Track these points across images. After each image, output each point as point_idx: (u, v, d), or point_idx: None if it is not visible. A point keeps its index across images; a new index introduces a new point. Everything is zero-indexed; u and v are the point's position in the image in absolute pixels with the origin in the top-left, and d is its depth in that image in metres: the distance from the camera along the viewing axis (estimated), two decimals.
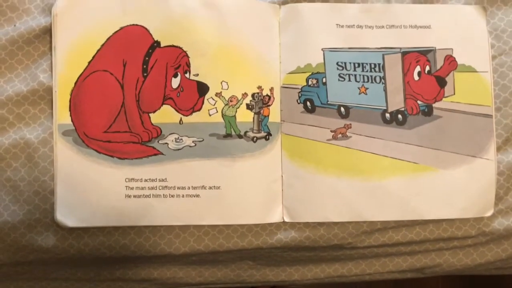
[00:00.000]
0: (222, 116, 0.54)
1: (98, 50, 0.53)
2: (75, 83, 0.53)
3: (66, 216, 0.52)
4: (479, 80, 0.57)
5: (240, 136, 0.54)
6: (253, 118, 0.55)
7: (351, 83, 0.56)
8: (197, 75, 0.54)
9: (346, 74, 0.56)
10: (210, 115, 0.54)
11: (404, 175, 0.55)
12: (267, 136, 0.55)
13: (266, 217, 0.55)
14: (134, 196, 0.53)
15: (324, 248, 0.57)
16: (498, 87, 0.57)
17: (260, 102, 0.55)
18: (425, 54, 0.57)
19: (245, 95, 0.55)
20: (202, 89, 0.54)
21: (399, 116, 0.56)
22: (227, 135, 0.54)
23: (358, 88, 0.56)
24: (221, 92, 0.54)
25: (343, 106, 0.56)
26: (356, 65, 0.56)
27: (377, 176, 0.55)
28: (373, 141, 0.55)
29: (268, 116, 0.55)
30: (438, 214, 0.56)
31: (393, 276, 0.61)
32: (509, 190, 0.57)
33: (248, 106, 0.55)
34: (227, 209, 0.54)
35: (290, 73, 0.56)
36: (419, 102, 0.56)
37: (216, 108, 0.54)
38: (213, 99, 0.54)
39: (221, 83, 0.54)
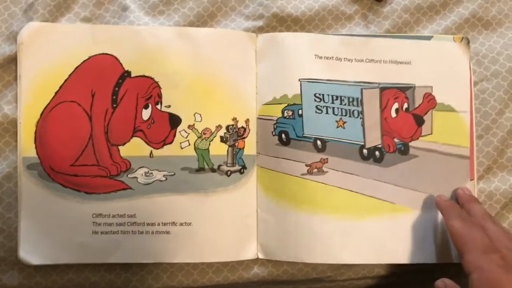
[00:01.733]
0: (195, 149, 0.51)
1: (66, 80, 0.50)
2: (41, 114, 0.49)
3: (31, 254, 0.49)
4: (457, 120, 0.54)
5: (213, 170, 0.51)
6: (227, 151, 0.52)
7: (328, 115, 0.53)
8: (169, 106, 0.51)
9: (323, 106, 0.53)
10: (182, 148, 0.51)
11: (381, 216, 0.52)
12: (242, 170, 0.52)
13: (240, 254, 0.51)
14: (102, 233, 0.49)
15: (303, 282, 0.55)
16: (480, 114, 0.55)
17: (235, 135, 0.52)
18: (404, 90, 0.53)
19: (219, 127, 0.51)
20: (174, 121, 0.50)
21: (377, 153, 0.53)
22: (200, 169, 0.51)
23: (336, 121, 0.53)
24: (194, 124, 0.51)
25: (320, 139, 0.52)
26: (334, 97, 0.53)
27: (353, 215, 0.52)
28: (350, 177, 0.52)
29: (243, 148, 0.52)
30: (414, 259, 0.52)
31: None
32: None
33: (222, 139, 0.51)
34: (199, 246, 0.50)
35: (266, 104, 0.53)
36: (396, 140, 0.53)
37: (188, 141, 0.51)
38: (185, 132, 0.51)
39: (194, 115, 0.51)
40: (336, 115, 0.53)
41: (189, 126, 0.51)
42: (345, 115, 0.53)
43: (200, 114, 0.51)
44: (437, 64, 0.54)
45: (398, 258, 0.52)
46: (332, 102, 0.53)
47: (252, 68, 0.53)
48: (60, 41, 0.50)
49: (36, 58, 0.50)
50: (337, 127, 0.53)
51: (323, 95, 0.53)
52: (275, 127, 0.53)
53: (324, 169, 0.52)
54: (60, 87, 0.50)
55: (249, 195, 0.52)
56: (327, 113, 0.53)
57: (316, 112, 0.53)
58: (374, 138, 0.53)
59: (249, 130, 0.52)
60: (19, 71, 0.50)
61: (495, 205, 0.54)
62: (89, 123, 0.50)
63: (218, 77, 0.52)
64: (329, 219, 0.51)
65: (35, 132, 0.49)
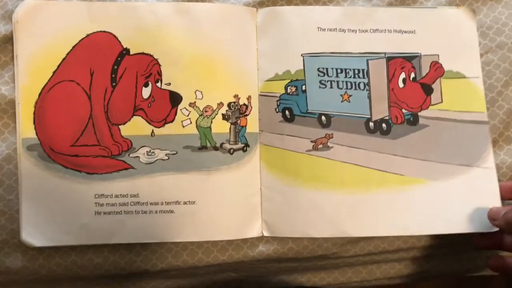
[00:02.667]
0: (197, 128, 0.49)
1: (64, 59, 0.48)
2: (39, 95, 0.48)
3: (33, 236, 0.47)
4: (469, 86, 0.51)
5: (216, 148, 0.49)
6: (230, 128, 0.50)
7: (333, 90, 0.51)
8: (170, 84, 0.49)
9: (327, 81, 0.51)
10: (183, 126, 0.49)
11: (390, 188, 0.50)
12: (245, 148, 0.50)
13: (244, 232, 0.50)
14: (105, 213, 0.48)
15: (308, 259, 0.53)
16: (485, 87, 0.53)
17: (237, 112, 0.50)
18: (410, 60, 0.51)
19: (220, 104, 0.50)
20: (175, 99, 0.49)
21: (384, 125, 0.51)
22: (202, 147, 0.49)
23: (341, 95, 0.51)
24: (195, 102, 0.49)
25: (324, 114, 0.51)
26: (339, 70, 0.51)
27: (360, 189, 0.50)
28: (356, 151, 0.50)
29: (245, 126, 0.50)
30: (430, 229, 0.50)
31: (381, 283, 0.57)
32: None
33: (224, 117, 0.50)
34: (203, 225, 0.49)
35: (268, 80, 0.51)
36: (403, 110, 0.51)
37: (190, 119, 0.49)
38: (186, 110, 0.49)
39: (195, 92, 0.49)
40: (341, 88, 0.51)
41: (190, 104, 0.49)
42: (351, 88, 0.51)
43: (201, 92, 0.49)
44: (443, 32, 0.52)
45: (411, 229, 0.50)
46: (337, 76, 0.51)
47: (253, 43, 0.51)
48: (56, 19, 0.48)
49: (32, 37, 0.48)
50: (342, 101, 0.51)
51: (327, 69, 0.51)
52: (278, 103, 0.51)
53: (330, 144, 0.51)
54: (58, 66, 0.48)
55: (252, 173, 0.50)
56: (331, 87, 0.51)
57: (320, 87, 0.51)
58: (381, 110, 0.51)
59: (251, 107, 0.51)
60: (16, 51, 0.48)
61: (502, 179, 0.53)
62: (88, 102, 0.48)
63: (218, 53, 0.50)
64: (335, 194, 0.50)
65: (34, 113, 0.48)
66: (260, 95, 0.51)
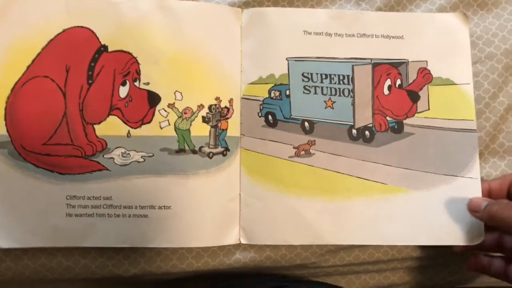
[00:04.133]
0: (175, 130, 0.47)
1: (38, 54, 0.45)
2: (12, 90, 0.45)
3: (0, 237, 0.44)
4: (459, 93, 0.49)
5: (194, 152, 0.47)
6: (210, 132, 0.48)
7: (317, 96, 0.49)
8: (148, 83, 0.47)
9: (312, 86, 0.49)
10: (161, 128, 0.47)
11: (371, 196, 0.48)
12: (225, 152, 0.48)
13: (221, 239, 0.48)
14: (76, 215, 0.45)
15: (286, 268, 0.51)
16: (488, 96, 0.51)
17: (217, 115, 0.48)
18: (396, 66, 0.50)
19: (201, 106, 0.47)
20: (153, 99, 0.46)
21: (367, 132, 0.49)
22: (180, 150, 0.47)
23: (325, 101, 0.49)
24: (174, 103, 0.47)
25: (307, 121, 0.49)
26: (324, 76, 0.49)
27: (341, 196, 0.48)
28: (338, 159, 0.48)
29: (226, 130, 0.48)
30: (411, 240, 0.48)
31: None
32: None
33: (204, 119, 0.47)
34: (178, 231, 0.47)
35: (251, 83, 0.49)
36: (388, 118, 0.49)
37: (168, 120, 0.47)
38: (165, 111, 0.47)
39: (175, 93, 0.47)
40: (325, 95, 0.49)
41: (169, 105, 0.47)
42: (334, 95, 0.49)
43: (181, 93, 0.47)
44: (433, 37, 0.50)
45: (392, 239, 0.48)
46: (321, 82, 0.49)
47: (237, 45, 0.49)
48: (32, 12, 0.46)
49: (6, 30, 0.45)
50: (326, 107, 0.49)
51: (311, 74, 0.49)
52: (261, 108, 0.49)
53: (312, 151, 0.49)
54: (33, 61, 0.45)
55: (232, 178, 0.48)
56: (315, 93, 0.49)
57: (304, 92, 0.49)
58: (364, 118, 0.49)
59: (233, 110, 0.49)
60: None
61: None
62: (63, 100, 0.45)
63: (200, 53, 0.47)
64: (316, 201, 0.48)
65: (5, 109, 0.45)
66: (242, 98, 0.49)
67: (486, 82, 0.51)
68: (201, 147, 0.47)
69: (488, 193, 0.48)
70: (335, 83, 0.49)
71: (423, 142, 0.49)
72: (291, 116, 0.49)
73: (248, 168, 0.48)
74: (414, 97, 0.49)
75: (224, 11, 0.49)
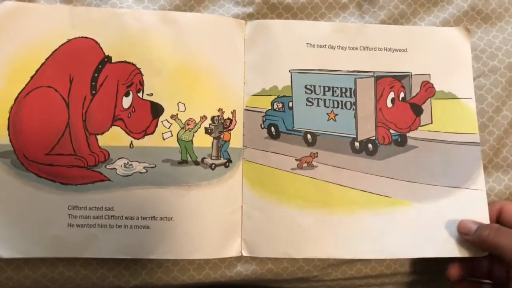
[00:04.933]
0: (178, 141, 0.46)
1: (42, 64, 0.45)
2: (15, 100, 0.45)
3: (1, 246, 0.44)
4: (461, 107, 0.49)
5: (196, 163, 0.47)
6: (212, 143, 0.47)
7: (319, 108, 0.49)
8: (151, 94, 0.46)
9: (314, 99, 0.49)
10: (164, 139, 0.46)
11: (374, 210, 0.47)
12: (227, 163, 0.47)
13: (222, 251, 0.47)
14: (78, 226, 0.45)
15: (288, 281, 0.50)
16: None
17: (220, 126, 0.47)
18: (399, 79, 0.49)
19: (204, 118, 0.47)
20: (156, 110, 0.46)
21: (370, 145, 0.48)
22: (183, 162, 0.46)
23: (327, 114, 0.49)
24: (177, 114, 0.46)
25: (310, 133, 0.48)
26: (326, 88, 0.49)
27: (343, 209, 0.47)
28: (341, 171, 0.48)
29: (229, 141, 0.48)
30: (415, 253, 0.47)
31: None
32: None
33: (207, 130, 0.47)
34: (179, 242, 0.46)
35: (254, 95, 0.48)
36: (391, 131, 0.49)
37: (171, 131, 0.46)
38: (168, 122, 0.46)
39: (178, 104, 0.47)
40: (328, 107, 0.49)
41: (172, 116, 0.47)
42: (337, 107, 0.48)
43: (184, 104, 0.47)
44: (435, 51, 0.50)
45: (395, 252, 0.47)
46: (324, 94, 0.49)
47: (240, 56, 0.49)
48: (37, 22, 0.46)
49: (11, 40, 0.45)
50: (328, 119, 0.49)
51: (314, 86, 0.49)
52: (264, 119, 0.49)
53: (314, 163, 0.48)
54: (36, 71, 0.45)
55: (234, 190, 0.48)
56: (318, 105, 0.49)
57: (306, 104, 0.49)
58: (367, 130, 0.48)
59: (236, 122, 0.48)
60: None
61: None
62: (66, 110, 0.45)
63: (204, 65, 0.47)
64: (318, 214, 0.47)
65: (9, 118, 0.45)
66: (245, 109, 0.49)
67: (489, 96, 0.51)
68: (203, 158, 0.47)
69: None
70: (337, 95, 0.48)
71: (426, 155, 0.48)
72: (294, 128, 0.49)
73: (250, 180, 0.48)
74: (417, 110, 0.49)
75: (227, 23, 0.49)
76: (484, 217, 0.47)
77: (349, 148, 0.48)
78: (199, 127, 0.47)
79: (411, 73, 0.49)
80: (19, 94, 0.45)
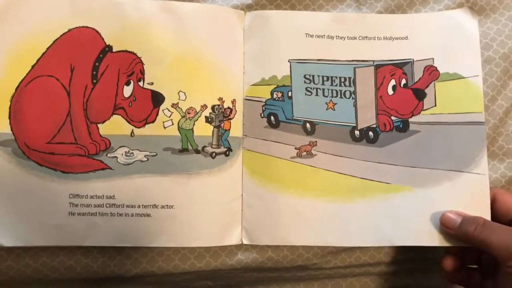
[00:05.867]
0: (178, 129, 0.46)
1: (43, 53, 0.45)
2: (16, 89, 0.45)
3: (2, 235, 0.44)
4: (467, 85, 0.49)
5: (197, 151, 0.47)
6: (213, 132, 0.47)
7: (318, 97, 0.49)
8: (152, 83, 0.46)
9: (313, 88, 0.49)
10: (165, 127, 0.46)
11: (374, 197, 0.48)
12: (227, 152, 0.48)
13: (223, 239, 0.47)
14: (79, 214, 0.45)
15: (287, 269, 0.50)
16: (487, 99, 0.50)
17: (220, 115, 0.48)
18: (401, 66, 0.49)
19: (204, 107, 0.47)
20: (157, 99, 0.46)
21: (370, 133, 0.49)
22: (183, 150, 0.46)
23: (326, 103, 0.49)
24: (178, 103, 0.46)
25: (309, 122, 0.49)
26: (325, 78, 0.49)
27: (343, 197, 0.47)
28: (340, 160, 0.48)
29: (229, 130, 0.48)
30: (413, 240, 0.47)
31: None
32: None
33: (208, 119, 0.47)
34: (180, 230, 0.46)
35: (254, 84, 0.49)
36: (393, 117, 0.49)
37: (171, 120, 0.46)
38: (168, 111, 0.46)
39: (178, 93, 0.47)
40: (326, 96, 0.49)
41: (172, 105, 0.47)
42: (336, 96, 0.49)
43: (185, 93, 0.47)
44: (438, 35, 0.50)
45: (394, 240, 0.47)
46: (323, 83, 0.49)
47: (240, 46, 0.49)
48: (37, 12, 0.46)
49: (12, 30, 0.45)
50: (327, 109, 0.49)
51: (313, 76, 0.49)
52: (263, 109, 0.49)
53: (313, 152, 0.48)
54: (37, 60, 0.45)
55: (234, 178, 0.48)
56: (316, 95, 0.49)
57: (305, 94, 0.49)
58: (368, 119, 0.48)
59: (236, 111, 0.48)
60: None
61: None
62: (67, 99, 0.45)
63: (204, 54, 0.47)
64: (318, 202, 0.47)
65: (10, 107, 0.45)
66: (245, 99, 0.49)
67: (485, 85, 0.51)
68: (204, 147, 0.47)
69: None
70: (336, 85, 0.49)
71: (428, 139, 0.48)
72: (293, 117, 0.49)
73: (250, 169, 0.48)
74: (420, 95, 0.49)
75: (227, 14, 0.49)
76: (485, 204, 0.47)
77: (349, 137, 0.48)
78: (200, 116, 0.47)
79: (413, 59, 0.49)
80: (20, 83, 0.45)
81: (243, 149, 0.48)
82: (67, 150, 0.45)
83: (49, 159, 0.44)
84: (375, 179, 0.47)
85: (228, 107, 0.48)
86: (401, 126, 0.48)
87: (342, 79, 0.48)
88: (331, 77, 0.48)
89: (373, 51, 0.49)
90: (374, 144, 0.48)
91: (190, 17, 0.47)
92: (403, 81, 0.49)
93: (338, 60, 0.49)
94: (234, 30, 0.49)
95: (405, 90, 0.49)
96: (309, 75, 0.49)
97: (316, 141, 0.48)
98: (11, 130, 0.44)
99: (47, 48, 0.45)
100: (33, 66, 0.45)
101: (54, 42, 0.45)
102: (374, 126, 0.48)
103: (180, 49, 0.47)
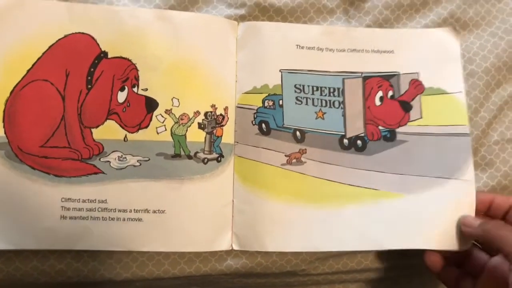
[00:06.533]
0: (171, 135, 0.47)
1: (39, 58, 0.46)
2: (11, 92, 0.45)
3: None
4: (451, 101, 0.50)
5: (189, 157, 0.47)
6: (205, 138, 0.48)
7: (308, 107, 0.50)
8: (146, 90, 0.47)
9: (303, 98, 0.50)
10: (158, 133, 0.47)
11: (362, 203, 0.48)
12: (219, 158, 0.48)
13: (213, 244, 0.48)
14: (70, 218, 0.45)
15: (276, 275, 0.51)
16: (470, 111, 0.52)
17: (213, 122, 0.48)
18: (388, 79, 0.51)
19: (197, 113, 0.48)
20: (151, 105, 0.47)
21: (359, 142, 0.50)
22: (176, 155, 0.47)
23: (315, 112, 0.50)
24: (171, 109, 0.47)
25: (299, 130, 0.50)
26: (315, 88, 0.50)
27: (332, 204, 0.48)
28: (329, 167, 0.49)
29: (221, 136, 0.49)
30: (402, 244, 0.48)
31: None
32: None
33: (200, 126, 0.48)
34: (171, 235, 0.46)
35: (246, 93, 0.50)
36: (380, 127, 0.51)
37: (165, 126, 0.47)
38: (162, 116, 0.47)
39: (172, 99, 0.47)
40: (316, 106, 0.50)
41: (166, 111, 0.47)
42: (325, 106, 0.50)
43: (178, 99, 0.48)
44: (423, 51, 0.51)
45: (382, 244, 0.48)
46: (313, 93, 0.50)
47: (232, 55, 0.50)
48: (34, 17, 0.46)
49: (8, 34, 0.45)
50: (317, 118, 0.50)
51: (303, 86, 0.50)
52: (255, 116, 0.50)
53: (303, 159, 0.49)
54: (33, 65, 0.45)
55: (225, 184, 0.48)
56: (306, 104, 0.50)
57: (296, 103, 0.50)
58: (356, 128, 0.50)
59: (228, 118, 0.49)
60: None
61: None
62: (61, 103, 0.46)
63: (197, 62, 0.48)
64: (307, 208, 0.48)
65: (4, 111, 0.45)
66: (237, 106, 0.50)
67: (468, 98, 0.53)
68: (196, 152, 0.47)
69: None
70: (325, 95, 0.50)
71: (416, 148, 0.49)
72: (284, 125, 0.50)
73: (241, 175, 0.49)
74: (406, 107, 0.50)
75: (221, 23, 0.50)
76: (471, 208, 0.48)
77: (338, 145, 0.49)
78: (193, 122, 0.47)
79: (399, 72, 0.51)
80: (15, 87, 0.45)
81: (234, 155, 0.49)
82: (60, 154, 0.45)
83: (42, 163, 0.45)
84: (364, 185, 0.48)
85: (221, 114, 0.48)
86: (388, 135, 0.50)
87: (331, 89, 0.50)
88: (321, 87, 0.50)
89: (361, 63, 0.50)
90: (362, 152, 0.49)
91: (185, 26, 0.48)
92: (390, 93, 0.50)
93: (328, 71, 0.50)
94: (227, 39, 0.50)
95: (392, 102, 0.50)
96: (300, 85, 0.50)
97: (305, 149, 0.49)
98: (5, 133, 0.44)
99: (43, 53, 0.46)
100: (28, 71, 0.45)
101: (50, 47, 0.46)
102: (362, 135, 0.50)
103: (174, 56, 0.47)
